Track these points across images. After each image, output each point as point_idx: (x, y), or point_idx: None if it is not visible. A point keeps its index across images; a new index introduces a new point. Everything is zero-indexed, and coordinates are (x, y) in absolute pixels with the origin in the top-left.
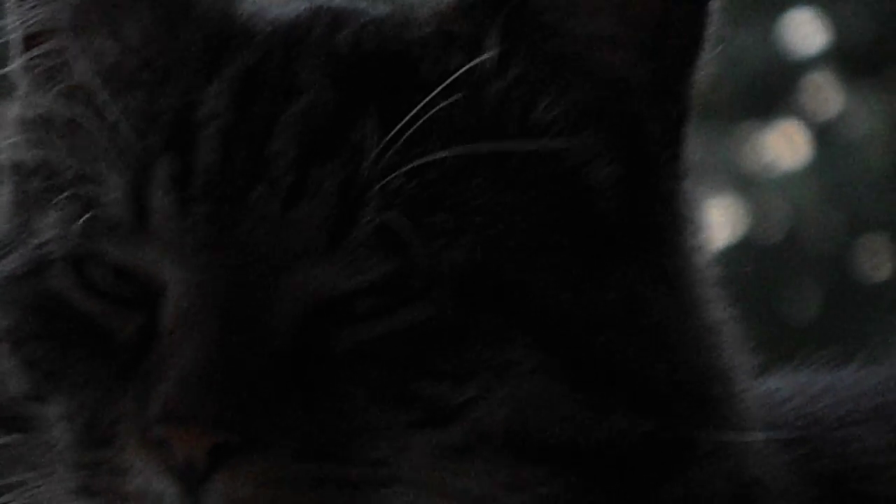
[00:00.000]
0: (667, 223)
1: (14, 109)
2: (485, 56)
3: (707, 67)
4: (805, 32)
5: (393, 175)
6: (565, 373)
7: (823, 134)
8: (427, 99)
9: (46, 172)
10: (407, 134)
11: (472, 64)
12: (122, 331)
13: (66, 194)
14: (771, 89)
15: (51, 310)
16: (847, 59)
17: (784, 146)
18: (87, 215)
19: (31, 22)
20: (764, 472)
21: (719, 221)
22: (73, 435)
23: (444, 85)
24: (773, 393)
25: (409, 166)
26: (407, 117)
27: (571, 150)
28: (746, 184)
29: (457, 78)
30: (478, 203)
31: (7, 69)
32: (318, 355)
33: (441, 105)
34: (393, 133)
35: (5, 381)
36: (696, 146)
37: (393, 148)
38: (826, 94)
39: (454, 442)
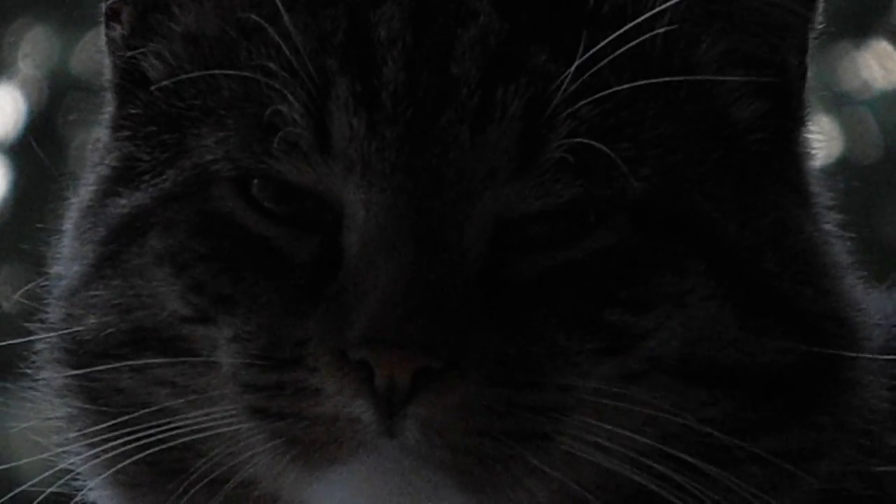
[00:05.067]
0: (803, 149)
1: (118, 30)
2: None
3: None
4: None
5: (582, 103)
6: (730, 298)
7: None
8: (622, 30)
9: (195, 91)
10: (593, 64)
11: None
12: (299, 253)
13: (230, 113)
14: (865, 10)
15: (219, 232)
16: None
17: (878, 67)
18: (274, 137)
19: None
20: (873, 399)
21: (816, 141)
22: (248, 356)
23: (642, 18)
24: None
25: (597, 95)
26: (597, 47)
27: (724, 86)
28: (840, 104)
29: (633, 11)
30: (653, 134)
31: None
32: (506, 281)
33: (632, 42)
34: (580, 62)
35: (162, 303)
36: None
37: (581, 77)
38: None
39: (631, 368)
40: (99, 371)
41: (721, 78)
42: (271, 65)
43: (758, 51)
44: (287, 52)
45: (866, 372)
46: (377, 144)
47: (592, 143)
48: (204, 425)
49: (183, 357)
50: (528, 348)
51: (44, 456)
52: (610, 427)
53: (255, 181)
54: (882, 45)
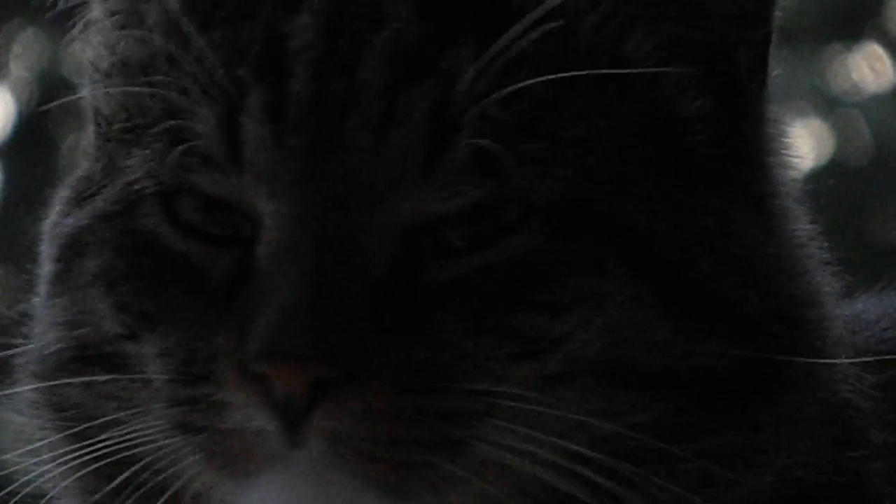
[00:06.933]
0: (756, 146)
1: (87, 54)
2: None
3: None
4: None
5: (486, 101)
6: (658, 301)
7: None
8: (523, 28)
9: (126, 115)
10: (500, 61)
11: None
12: (217, 267)
13: (153, 131)
14: (856, 12)
15: (142, 250)
16: None
17: (869, 69)
18: (179, 147)
19: None
20: (854, 395)
21: (805, 144)
22: (170, 372)
23: (538, 14)
24: (858, 316)
25: (503, 93)
26: (499, 44)
27: (662, 82)
28: (831, 107)
29: (553, 8)
30: (572, 134)
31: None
32: (415, 288)
33: (534, 34)
34: (487, 60)
35: (99, 320)
36: (781, 69)
37: (486, 75)
38: None
39: (550, 373)
40: (58, 385)
41: (641, 70)
42: (187, 79)
43: (699, 45)
44: (203, 65)
45: (825, 367)
46: (283, 154)
47: (492, 144)
48: (141, 438)
49: (122, 373)
50: (437, 355)
51: (22, 462)
52: (531, 431)
53: (180, 197)
54: (873, 48)
